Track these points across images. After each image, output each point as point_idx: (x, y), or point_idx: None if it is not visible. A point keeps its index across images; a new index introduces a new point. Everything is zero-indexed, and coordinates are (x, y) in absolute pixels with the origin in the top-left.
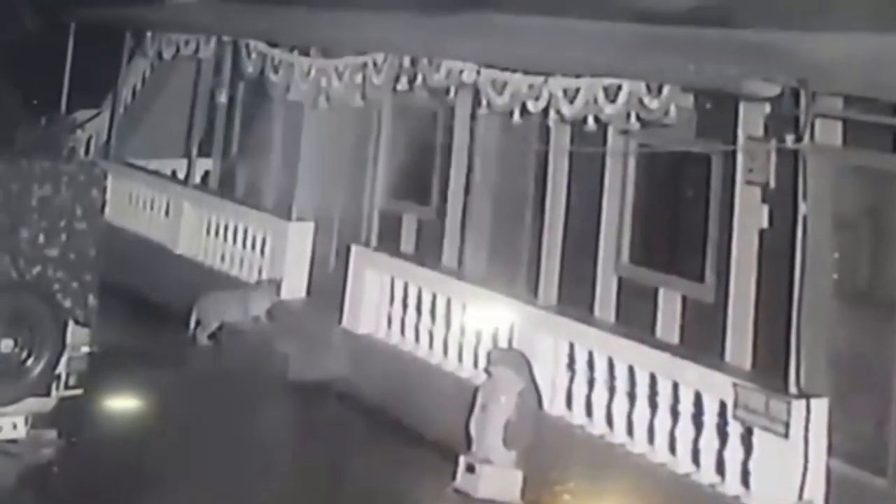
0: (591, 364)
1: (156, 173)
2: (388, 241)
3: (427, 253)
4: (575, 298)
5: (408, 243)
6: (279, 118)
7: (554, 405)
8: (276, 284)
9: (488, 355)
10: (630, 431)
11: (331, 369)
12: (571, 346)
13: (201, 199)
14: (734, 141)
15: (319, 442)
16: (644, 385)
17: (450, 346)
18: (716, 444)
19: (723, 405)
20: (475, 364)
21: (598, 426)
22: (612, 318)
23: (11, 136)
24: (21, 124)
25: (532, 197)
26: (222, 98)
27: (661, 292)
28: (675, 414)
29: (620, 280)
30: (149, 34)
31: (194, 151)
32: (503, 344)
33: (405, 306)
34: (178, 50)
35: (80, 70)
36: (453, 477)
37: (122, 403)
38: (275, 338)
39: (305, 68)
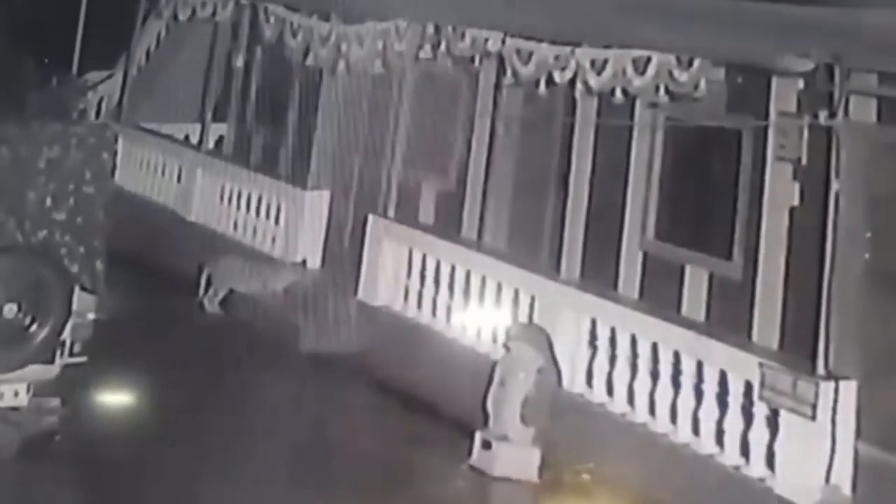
0: (613, 341)
1: (168, 137)
2: (407, 212)
3: (446, 224)
4: (598, 274)
5: (426, 214)
6: (297, 84)
7: (574, 382)
8: (301, 266)
9: (507, 330)
10: (652, 411)
11: (345, 342)
12: (593, 322)
13: (215, 165)
14: (766, 116)
15: (331, 416)
16: (668, 363)
17: (468, 321)
18: (741, 425)
19: (748, 385)
20: (494, 339)
21: (619, 405)
22: (636, 294)
23: (21, 98)
24: (31, 85)
25: (556, 169)
26: (239, 63)
27: (688, 269)
28: (699, 393)
29: (645, 256)
30: None
31: (209, 116)
32: (523, 319)
33: (423, 278)
34: (194, 12)
35: (92, 30)
36: (469, 454)
37: (128, 372)
38: (287, 308)
39: (325, 34)
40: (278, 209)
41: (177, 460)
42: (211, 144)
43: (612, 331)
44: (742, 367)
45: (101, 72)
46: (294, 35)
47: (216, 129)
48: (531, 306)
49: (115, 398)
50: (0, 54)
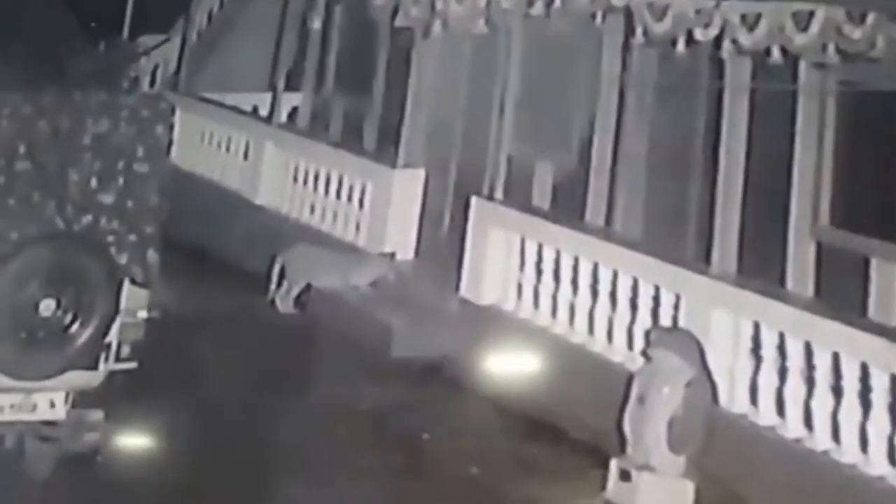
0: (782, 349)
1: (233, 109)
2: (518, 194)
3: (566, 208)
4: (759, 267)
5: (542, 196)
6: (384, 47)
7: (734, 400)
8: (390, 258)
9: (647, 335)
10: (836, 436)
11: (445, 346)
12: (756, 327)
13: (288, 139)
14: None
15: (431, 438)
16: (853, 378)
17: (597, 323)
18: None
19: None
20: (629, 345)
21: (792, 428)
22: (809, 292)
23: (63, 64)
24: (75, 50)
25: (701, 143)
26: (316, 24)
27: (874, 262)
28: (894, 415)
29: (819, 246)
30: None
31: (280, 85)
32: (666, 322)
33: (539, 272)
34: None
35: None
36: (603, 486)
37: (185, 382)
38: (375, 307)
39: None
40: (363, 190)
41: (239, 493)
42: (283, 116)
43: (781, 337)
44: None
45: (155, 35)
46: None
47: (289, 99)
48: (676, 306)
49: (169, 412)
50: (39, 15)
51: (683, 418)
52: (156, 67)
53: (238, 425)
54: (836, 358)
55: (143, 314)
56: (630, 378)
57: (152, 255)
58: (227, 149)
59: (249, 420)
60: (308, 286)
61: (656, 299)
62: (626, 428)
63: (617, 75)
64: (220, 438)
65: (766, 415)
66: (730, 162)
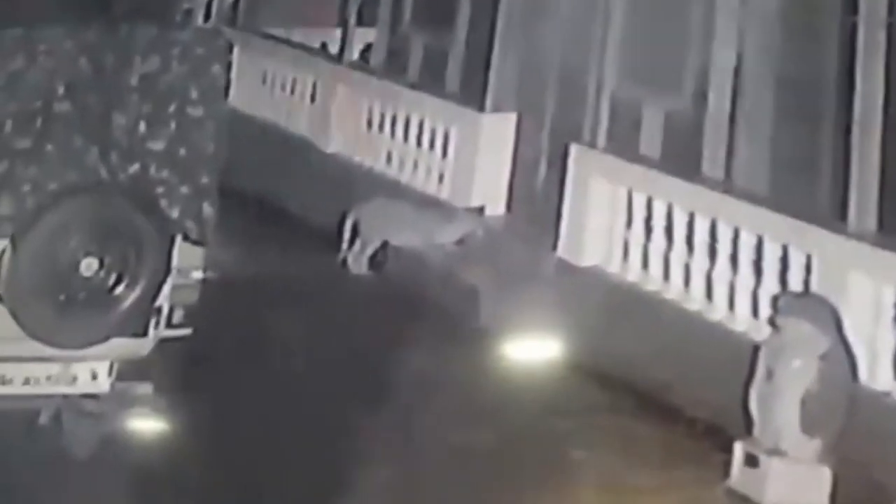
0: None
1: (300, 46)
2: (624, 140)
3: (679, 157)
4: None
5: (651, 144)
6: None
7: (877, 376)
8: (479, 213)
9: (776, 302)
10: None
11: (541, 314)
12: None
13: (361, 80)
14: None
15: (531, 417)
16: None
17: (716, 287)
18: None
19: None
20: (755, 313)
21: None
22: None
23: None
24: None
25: (834, 83)
26: None
27: None
28: None
29: None
30: None
31: (352, 19)
32: (796, 286)
33: (649, 230)
34: None
35: None
36: (726, 473)
37: (244, 352)
38: (463, 267)
39: None
40: (446, 137)
41: (302, 474)
42: (355, 54)
43: None
44: None
45: None
46: None
47: (362, 35)
48: (807, 268)
49: (227, 386)
50: None
51: (818, 396)
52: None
53: (303, 401)
54: None
55: (197, 275)
56: (756, 350)
57: (208, 209)
58: (293, 90)
59: (316, 396)
60: (385, 245)
61: (784, 261)
62: (753, 406)
63: (736, 5)
64: (282, 417)
65: None
66: (867, 102)
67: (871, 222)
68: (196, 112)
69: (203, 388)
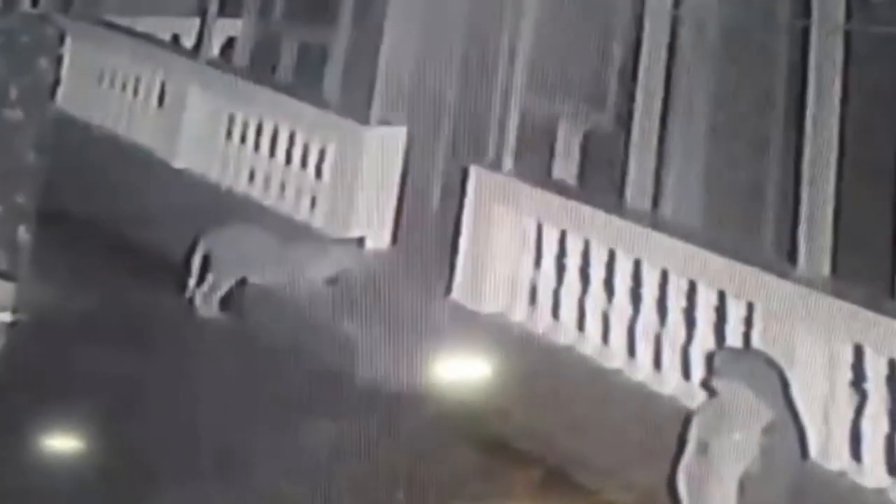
0: (894, 384)
1: (146, 38)
2: (534, 163)
3: (599, 183)
4: (863, 270)
5: (566, 167)
6: None
7: (830, 455)
8: (357, 246)
9: (711, 360)
10: None
11: (431, 371)
12: (857, 352)
13: (220, 82)
14: None
15: (413, 498)
16: None
17: (640, 342)
18: None
19: None
20: (685, 374)
21: None
22: None
23: None
24: None
25: (781, 100)
26: None
27: None
28: None
29: None
30: None
31: (213, 7)
32: (735, 342)
33: (561, 271)
34: None
35: None
36: None
37: (62, 414)
38: (335, 312)
39: None
40: (322, 154)
41: None
42: (215, 50)
43: (892, 365)
44: None
45: None
46: None
47: (223, 27)
48: (748, 321)
49: (42, 460)
50: None
51: (760, 476)
52: None
53: (139, 478)
54: None
55: (4, 316)
56: (687, 419)
57: (23, 234)
58: (136, 92)
59: (147, 473)
60: (241, 282)
61: (721, 311)
62: (682, 488)
63: (668, 10)
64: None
65: (873, 473)
66: (818, 124)
67: (825, 265)
68: (13, 115)
69: (11, 463)
